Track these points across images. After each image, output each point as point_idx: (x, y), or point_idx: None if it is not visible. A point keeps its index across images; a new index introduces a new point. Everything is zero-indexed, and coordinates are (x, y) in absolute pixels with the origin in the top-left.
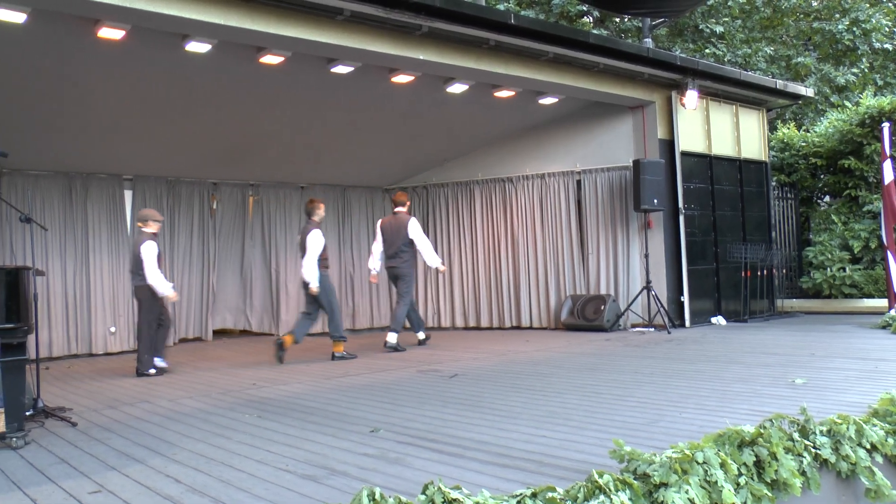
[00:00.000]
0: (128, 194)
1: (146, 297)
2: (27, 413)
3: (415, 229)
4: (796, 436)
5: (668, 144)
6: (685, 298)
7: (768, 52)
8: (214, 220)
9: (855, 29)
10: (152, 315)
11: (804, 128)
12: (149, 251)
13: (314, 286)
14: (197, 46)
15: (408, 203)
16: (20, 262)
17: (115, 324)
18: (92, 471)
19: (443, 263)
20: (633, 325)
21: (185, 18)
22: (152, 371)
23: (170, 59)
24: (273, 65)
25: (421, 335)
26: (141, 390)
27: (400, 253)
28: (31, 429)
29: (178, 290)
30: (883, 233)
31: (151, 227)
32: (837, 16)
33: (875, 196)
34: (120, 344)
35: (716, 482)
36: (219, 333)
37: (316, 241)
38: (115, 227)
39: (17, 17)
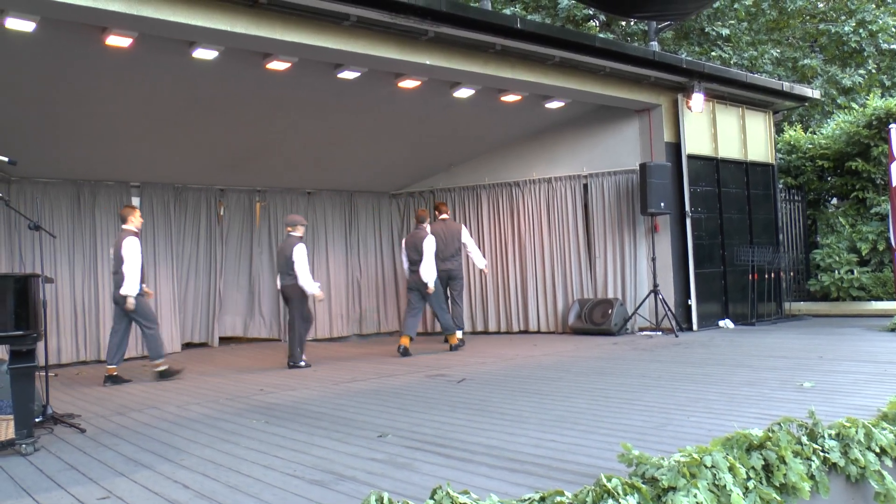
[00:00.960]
0: (135, 201)
1: (296, 296)
2: (36, 420)
3: (467, 234)
4: (805, 439)
5: (675, 147)
6: (692, 302)
7: (774, 54)
8: (221, 227)
9: (861, 31)
10: (302, 312)
11: (811, 130)
12: (300, 253)
13: (431, 287)
14: (204, 53)
15: (448, 211)
16: (29, 270)
17: None
18: (100, 477)
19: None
20: (641, 329)
21: (192, 25)
22: (302, 364)
23: (177, 66)
24: (279, 71)
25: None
26: (149, 396)
27: (456, 255)
28: (40, 435)
29: (184, 295)
30: (891, 235)
31: (299, 231)
32: (844, 17)
33: (883, 198)
34: (128, 350)
35: (724, 486)
36: (226, 339)
37: (432, 244)
38: None
39: (27, 26)
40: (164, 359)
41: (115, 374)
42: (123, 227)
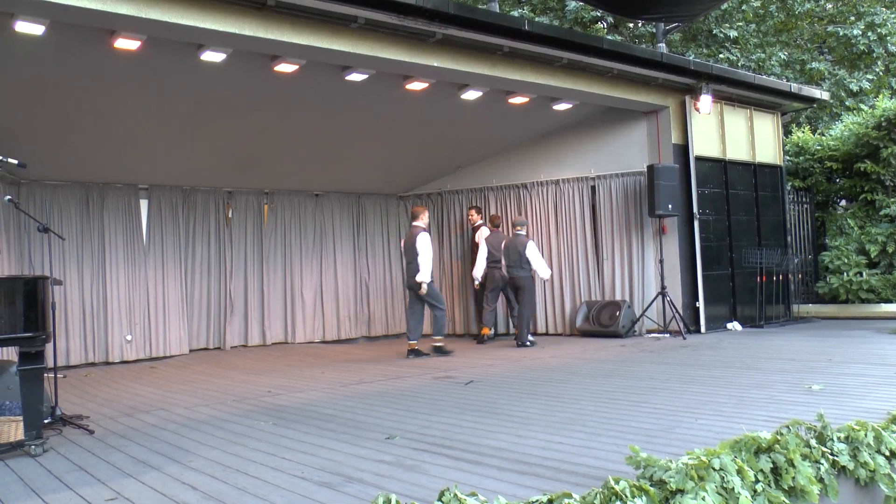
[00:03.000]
0: (143, 203)
1: (529, 285)
2: (45, 421)
3: (532, 249)
4: (813, 442)
5: (683, 149)
6: (700, 304)
7: (782, 56)
8: (230, 229)
9: (870, 33)
10: (532, 298)
11: (819, 132)
12: (534, 248)
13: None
14: (212, 56)
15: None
16: (38, 272)
17: (132, 332)
18: (109, 478)
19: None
20: (649, 331)
21: (201, 28)
22: (529, 343)
23: (185, 69)
24: (287, 73)
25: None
26: (157, 398)
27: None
28: (49, 436)
29: (193, 298)
30: None
31: (524, 230)
32: (852, 19)
33: (892, 200)
34: (136, 352)
35: (732, 489)
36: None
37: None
38: (132, 237)
39: (36, 29)
40: (443, 337)
41: (416, 348)
42: (414, 223)
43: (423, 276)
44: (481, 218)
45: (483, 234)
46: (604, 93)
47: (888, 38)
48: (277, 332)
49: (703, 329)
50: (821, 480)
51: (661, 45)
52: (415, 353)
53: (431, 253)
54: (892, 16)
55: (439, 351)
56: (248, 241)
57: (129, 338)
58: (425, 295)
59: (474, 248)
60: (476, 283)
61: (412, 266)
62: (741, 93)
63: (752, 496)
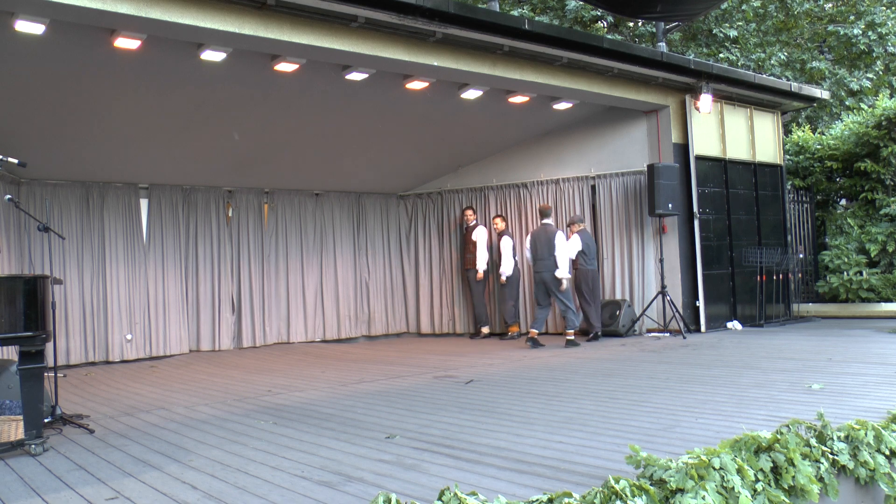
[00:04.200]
0: (143, 203)
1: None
2: (45, 420)
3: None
4: (814, 442)
5: (683, 148)
6: (700, 303)
7: (782, 56)
8: (230, 228)
9: (870, 33)
10: (568, 294)
11: (819, 131)
12: (562, 243)
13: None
14: (212, 55)
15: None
16: (38, 271)
17: (132, 331)
18: (109, 477)
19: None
20: (649, 330)
21: (201, 27)
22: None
23: (185, 68)
24: (287, 72)
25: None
26: (158, 397)
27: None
28: (49, 436)
29: (194, 297)
30: None
31: (580, 227)
32: (852, 18)
33: (892, 199)
34: (136, 351)
35: (732, 488)
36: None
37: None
38: (132, 236)
39: (36, 29)
40: (574, 330)
41: (535, 336)
42: (544, 221)
43: (563, 272)
44: (476, 218)
45: (480, 233)
46: (604, 92)
47: (888, 37)
48: (277, 332)
49: (703, 328)
50: (821, 480)
51: (661, 44)
52: (533, 341)
53: (568, 249)
54: (893, 15)
55: (571, 343)
56: (248, 241)
57: (129, 337)
58: (560, 292)
59: (471, 247)
60: (503, 278)
61: (545, 262)
62: (741, 92)
63: (752, 495)
